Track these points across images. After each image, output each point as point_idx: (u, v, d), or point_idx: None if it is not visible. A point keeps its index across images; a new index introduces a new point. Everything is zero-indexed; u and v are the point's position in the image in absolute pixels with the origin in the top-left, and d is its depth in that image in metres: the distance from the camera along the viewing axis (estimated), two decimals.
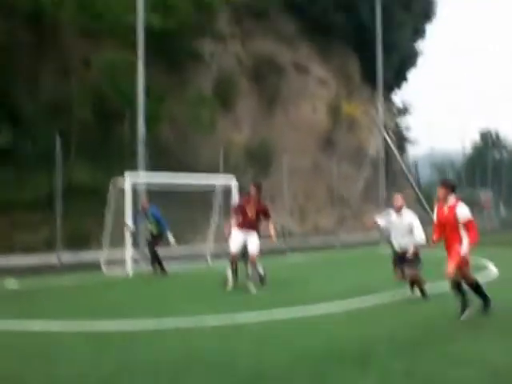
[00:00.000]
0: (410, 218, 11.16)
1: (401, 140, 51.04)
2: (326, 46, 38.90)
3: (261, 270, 13.61)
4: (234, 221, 13.22)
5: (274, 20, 36.45)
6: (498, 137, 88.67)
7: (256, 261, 13.08)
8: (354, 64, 41.63)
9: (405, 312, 10.29)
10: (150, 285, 14.82)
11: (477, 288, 9.49)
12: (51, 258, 19.30)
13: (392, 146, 33.83)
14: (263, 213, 13.19)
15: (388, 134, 34.93)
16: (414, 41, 48.37)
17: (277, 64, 34.70)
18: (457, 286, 9.19)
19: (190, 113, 26.95)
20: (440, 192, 9.24)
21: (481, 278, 14.38)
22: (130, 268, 16.62)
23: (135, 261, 17.56)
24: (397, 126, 53.57)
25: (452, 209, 9.03)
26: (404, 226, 11.12)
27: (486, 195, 57.49)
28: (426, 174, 62.76)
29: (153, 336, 8.30)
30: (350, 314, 10.15)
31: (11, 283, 13.99)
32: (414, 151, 63.20)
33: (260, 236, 13.29)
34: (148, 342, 7.94)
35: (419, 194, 35.40)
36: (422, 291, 11.27)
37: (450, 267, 9.04)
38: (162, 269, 16.31)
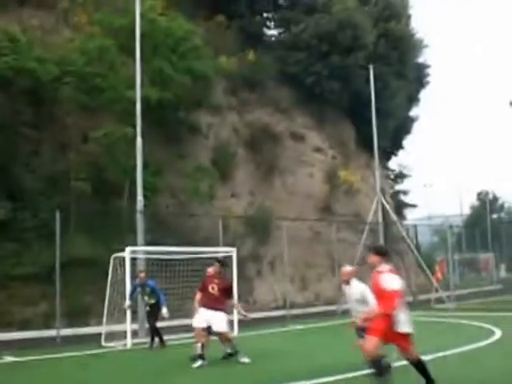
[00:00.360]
0: (359, 288, 10.50)
1: (399, 205, 51.19)
2: (322, 114, 39.39)
3: (229, 349, 13.01)
4: (197, 297, 12.91)
5: (270, 90, 37.01)
6: (495, 197, 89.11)
7: (229, 337, 12.76)
8: (350, 131, 42.08)
9: (406, 381, 10.18)
10: (146, 357, 14.70)
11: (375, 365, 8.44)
12: (50, 332, 19.14)
13: (390, 211, 33.93)
14: (225, 291, 12.81)
15: (386, 199, 35.09)
16: (409, 107, 48.96)
17: (273, 133, 35.08)
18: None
19: (189, 184, 27.11)
20: (371, 259, 8.60)
21: (483, 342, 14.33)
22: (129, 340, 16.50)
23: (135, 333, 17.44)
24: (394, 191, 53.83)
25: (377, 276, 8.39)
26: (355, 297, 10.47)
27: (485, 257, 57.30)
28: (425, 237, 62.67)
29: None
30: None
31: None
32: (412, 215, 63.37)
33: (228, 313, 13.06)
34: None
35: (419, 258, 35.26)
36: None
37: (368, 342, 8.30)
38: (161, 341, 16.20)
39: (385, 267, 8.37)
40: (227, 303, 13.00)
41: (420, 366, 8.58)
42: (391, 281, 8.24)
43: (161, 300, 16.12)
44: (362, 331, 9.88)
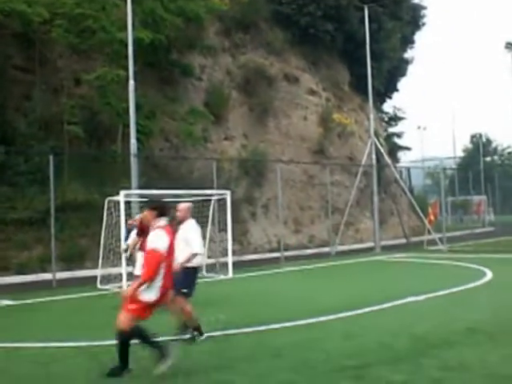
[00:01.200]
0: (191, 228, 9.57)
1: (393, 148, 51.16)
2: (316, 55, 39.00)
3: None
4: (133, 242, 12.28)
5: (263, 32, 36.54)
6: (488, 140, 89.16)
7: None
8: (344, 73, 41.75)
9: (399, 321, 10.34)
10: None
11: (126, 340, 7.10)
12: (46, 276, 19.29)
13: (384, 153, 33.95)
14: None
15: (379, 142, 35.06)
16: (404, 49, 48.53)
17: (267, 75, 34.76)
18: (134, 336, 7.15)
19: (182, 127, 27.00)
20: (145, 215, 7.77)
21: (477, 282, 14.54)
22: (124, 283, 16.63)
23: (130, 275, 17.55)
24: (388, 133, 53.73)
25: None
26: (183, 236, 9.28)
27: (478, 199, 57.69)
28: (418, 180, 62.91)
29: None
30: (345, 325, 10.18)
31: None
32: (406, 158, 63.47)
33: None
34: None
35: (412, 200, 35.47)
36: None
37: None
38: None
39: (158, 224, 7.39)
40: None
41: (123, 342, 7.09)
42: (156, 239, 7.19)
43: None
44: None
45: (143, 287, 6.98)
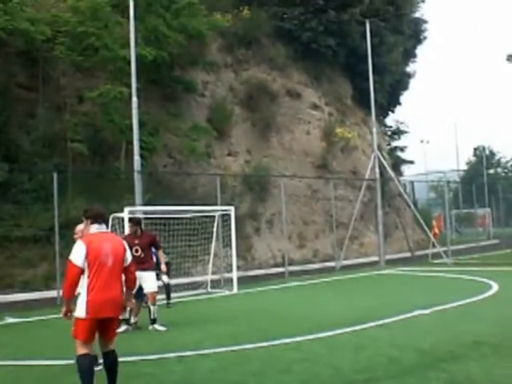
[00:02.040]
0: None
1: (396, 161, 51.18)
2: (318, 70, 39.10)
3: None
4: None
5: (265, 47, 36.67)
6: (491, 152, 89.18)
7: (155, 298, 12.28)
8: (346, 87, 41.84)
9: (407, 334, 10.30)
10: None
11: None
12: (51, 293, 19.26)
13: (387, 167, 33.96)
14: (148, 247, 12.42)
15: (383, 155, 35.08)
16: (406, 63, 48.62)
17: (269, 90, 34.85)
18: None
19: (186, 143, 27.06)
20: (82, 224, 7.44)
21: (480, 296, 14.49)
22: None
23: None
24: (391, 147, 53.78)
25: None
26: None
27: (482, 212, 57.55)
28: (422, 193, 62.85)
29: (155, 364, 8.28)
30: (353, 339, 10.14)
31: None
32: (409, 172, 63.48)
33: (154, 270, 12.72)
34: (149, 373, 7.93)
35: (416, 214, 35.41)
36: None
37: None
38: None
39: (90, 231, 6.99)
40: (153, 261, 12.66)
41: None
42: (73, 250, 6.78)
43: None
44: None
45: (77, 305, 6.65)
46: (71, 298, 6.66)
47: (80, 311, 6.59)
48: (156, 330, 11.97)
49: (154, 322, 12.20)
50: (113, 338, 6.85)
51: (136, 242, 12.21)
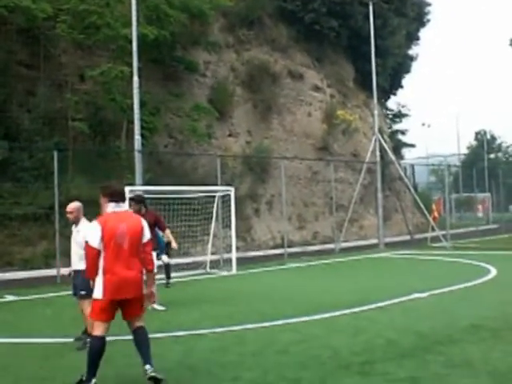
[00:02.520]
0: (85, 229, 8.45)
1: (397, 144, 51.15)
2: (320, 52, 38.98)
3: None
4: None
5: (268, 28, 36.52)
6: (493, 137, 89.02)
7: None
8: (349, 70, 41.69)
9: (405, 317, 10.34)
10: None
11: None
12: (50, 271, 19.31)
13: (388, 150, 33.91)
14: (153, 226, 12.02)
15: (384, 138, 35.02)
16: (409, 46, 48.44)
17: (271, 71, 34.76)
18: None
19: (187, 123, 27.02)
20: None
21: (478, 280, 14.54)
22: None
23: None
24: (392, 130, 53.71)
25: None
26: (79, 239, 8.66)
27: (482, 197, 57.58)
28: (422, 177, 62.82)
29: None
30: (351, 321, 10.18)
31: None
32: (410, 155, 63.42)
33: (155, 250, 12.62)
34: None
35: (416, 197, 35.42)
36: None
37: None
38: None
39: (107, 210, 6.84)
40: (154, 240, 12.44)
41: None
42: (89, 231, 6.74)
43: (160, 246, 16.11)
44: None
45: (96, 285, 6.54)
46: (94, 280, 6.57)
47: (97, 292, 6.48)
48: (154, 309, 11.98)
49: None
50: (138, 316, 6.72)
51: None
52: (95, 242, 6.44)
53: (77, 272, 8.77)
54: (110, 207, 6.74)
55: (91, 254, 6.48)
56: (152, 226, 12.25)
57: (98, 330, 6.49)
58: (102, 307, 6.45)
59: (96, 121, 24.75)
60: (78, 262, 8.62)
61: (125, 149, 24.59)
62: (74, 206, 9.41)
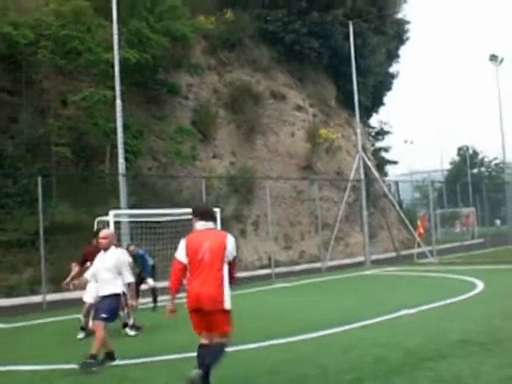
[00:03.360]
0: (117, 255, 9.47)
1: (380, 162, 51.35)
2: (302, 72, 39.19)
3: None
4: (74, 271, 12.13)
5: (249, 49, 36.72)
6: (475, 152, 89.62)
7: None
8: (330, 89, 41.92)
9: (393, 334, 10.34)
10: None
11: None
12: (36, 298, 19.16)
13: (372, 168, 34.06)
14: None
15: (367, 156, 35.19)
16: (389, 64, 48.76)
17: (253, 92, 34.91)
18: None
19: (170, 146, 27.02)
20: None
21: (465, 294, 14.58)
22: None
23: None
24: (375, 148, 53.94)
25: None
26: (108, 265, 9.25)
27: (466, 211, 57.83)
28: (407, 193, 63.07)
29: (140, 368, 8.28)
30: (340, 339, 10.17)
31: None
32: (394, 172, 63.72)
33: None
34: (135, 377, 7.91)
35: (401, 214, 35.56)
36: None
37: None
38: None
39: (196, 228, 7.30)
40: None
41: None
42: (179, 246, 7.21)
43: (146, 270, 16.06)
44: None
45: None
46: (175, 293, 7.07)
47: (187, 304, 7.01)
48: (126, 334, 11.88)
49: (125, 325, 12.14)
50: (218, 332, 7.03)
51: None
52: (181, 257, 7.02)
53: (104, 297, 9.12)
54: (199, 225, 7.22)
55: (175, 268, 7.07)
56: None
57: (200, 339, 7.06)
58: (191, 318, 7.00)
59: (79, 145, 24.70)
60: (107, 288, 9.09)
61: (109, 173, 24.54)
62: (108, 232, 9.79)
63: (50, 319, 15.27)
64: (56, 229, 21.30)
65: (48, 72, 25.26)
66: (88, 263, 11.59)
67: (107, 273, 9.16)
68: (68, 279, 11.59)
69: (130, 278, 9.31)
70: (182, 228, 20.68)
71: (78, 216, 22.35)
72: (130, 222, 19.68)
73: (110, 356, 9.08)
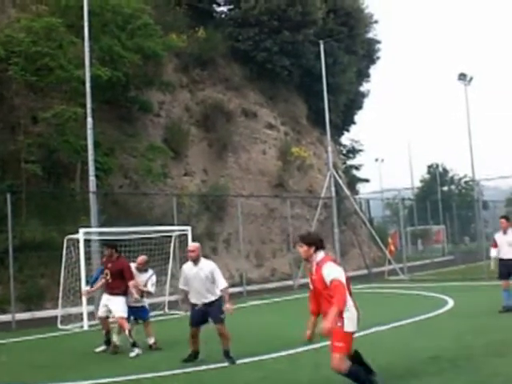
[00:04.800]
0: (209, 265, 10.41)
1: (351, 180, 51.66)
2: (273, 90, 39.41)
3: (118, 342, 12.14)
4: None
5: (221, 68, 36.84)
6: (445, 170, 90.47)
7: (124, 326, 11.75)
8: (301, 107, 42.17)
9: (364, 351, 10.36)
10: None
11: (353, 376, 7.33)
12: (5, 317, 18.91)
13: (343, 186, 34.25)
14: (118, 274, 12.11)
15: (338, 174, 35.39)
16: (360, 83, 49.22)
17: (225, 110, 34.97)
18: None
19: (142, 163, 26.90)
20: (303, 251, 7.60)
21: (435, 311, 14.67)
22: (85, 322, 16.43)
23: (91, 315, 17.32)
24: (347, 166, 54.28)
25: (318, 269, 7.37)
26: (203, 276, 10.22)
27: (437, 229, 58.35)
28: (378, 211, 63.46)
29: None
30: (312, 357, 10.16)
31: None
32: (365, 190, 64.11)
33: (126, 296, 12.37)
34: None
35: (372, 231, 35.76)
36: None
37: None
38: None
39: (321, 257, 7.46)
40: (124, 287, 12.10)
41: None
42: (335, 271, 7.20)
43: None
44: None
45: (346, 320, 7.09)
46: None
47: (352, 326, 7.15)
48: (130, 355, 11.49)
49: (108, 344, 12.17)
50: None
51: (109, 265, 12.29)
52: (344, 280, 7.03)
53: (209, 303, 10.18)
54: (323, 253, 7.50)
55: (343, 290, 6.94)
56: (118, 273, 12.11)
57: (346, 363, 7.13)
58: (349, 341, 7.17)
59: (50, 163, 24.48)
60: (209, 294, 10.14)
61: (79, 190, 24.37)
62: (196, 245, 10.42)
63: (20, 338, 15.06)
64: (25, 246, 21.06)
65: (19, 88, 25.04)
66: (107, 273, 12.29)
67: (205, 282, 10.06)
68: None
69: (225, 283, 10.19)
70: (153, 246, 20.63)
71: (47, 234, 22.13)
72: (101, 240, 19.51)
73: (195, 355, 10.32)
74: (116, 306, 11.95)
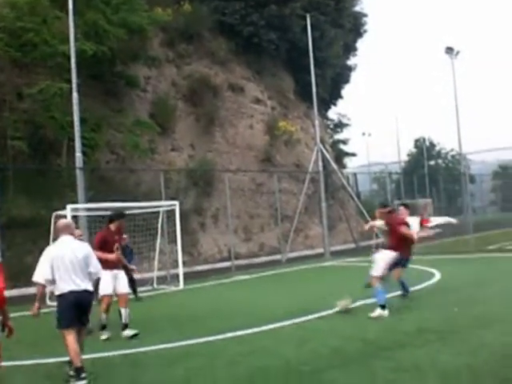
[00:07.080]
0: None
1: (339, 154, 51.68)
2: (260, 64, 39.21)
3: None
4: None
5: (207, 42, 36.58)
6: (432, 144, 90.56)
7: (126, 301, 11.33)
8: (288, 81, 42.01)
9: (351, 324, 10.44)
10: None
11: None
12: None
13: (330, 160, 34.28)
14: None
15: (326, 148, 35.40)
16: (347, 57, 49.04)
17: (212, 85, 34.80)
18: None
19: (128, 139, 26.78)
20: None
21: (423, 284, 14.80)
22: None
23: None
24: (334, 140, 54.28)
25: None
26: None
27: (424, 202, 58.57)
28: (365, 185, 63.58)
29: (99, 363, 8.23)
30: (297, 331, 10.24)
31: None
32: (352, 164, 64.16)
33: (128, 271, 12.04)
34: (94, 372, 7.87)
35: (360, 205, 35.87)
36: None
37: None
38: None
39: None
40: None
41: None
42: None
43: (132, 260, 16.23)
44: None
45: None
46: None
47: None
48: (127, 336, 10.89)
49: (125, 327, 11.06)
50: None
51: (116, 238, 11.55)
52: None
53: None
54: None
55: None
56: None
57: None
58: None
59: (36, 139, 24.34)
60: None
61: (66, 167, 24.26)
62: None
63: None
64: (13, 224, 21.01)
65: (3, 65, 24.81)
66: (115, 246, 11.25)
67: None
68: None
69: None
70: (141, 221, 20.65)
71: (35, 210, 22.08)
72: (88, 216, 19.48)
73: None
74: (123, 282, 11.42)
